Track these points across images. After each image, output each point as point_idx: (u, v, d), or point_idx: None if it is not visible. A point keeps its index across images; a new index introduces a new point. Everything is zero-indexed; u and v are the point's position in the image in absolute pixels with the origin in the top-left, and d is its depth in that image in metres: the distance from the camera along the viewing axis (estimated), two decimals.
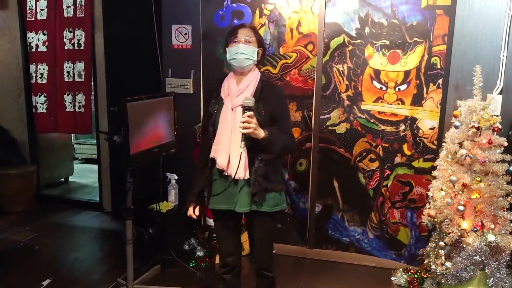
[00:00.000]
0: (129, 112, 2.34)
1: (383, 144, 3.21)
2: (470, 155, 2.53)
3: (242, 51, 2.13)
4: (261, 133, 2.03)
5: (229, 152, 2.11)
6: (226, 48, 2.20)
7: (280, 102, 2.22)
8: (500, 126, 2.50)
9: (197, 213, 2.30)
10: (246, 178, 2.10)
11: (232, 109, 2.12)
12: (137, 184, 2.69)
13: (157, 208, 3.15)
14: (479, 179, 2.51)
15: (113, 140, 2.47)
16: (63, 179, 5.27)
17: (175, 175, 3.37)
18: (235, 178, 2.10)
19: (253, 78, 2.18)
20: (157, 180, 3.43)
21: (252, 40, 2.17)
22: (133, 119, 2.38)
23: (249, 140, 2.03)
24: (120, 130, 2.44)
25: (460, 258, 2.57)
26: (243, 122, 1.99)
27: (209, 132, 2.20)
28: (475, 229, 2.53)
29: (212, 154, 2.17)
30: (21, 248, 3.56)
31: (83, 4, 4.07)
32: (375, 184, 3.28)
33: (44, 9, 4.22)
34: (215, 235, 3.29)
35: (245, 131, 1.99)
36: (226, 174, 2.13)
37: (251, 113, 2.00)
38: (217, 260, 3.30)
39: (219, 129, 2.15)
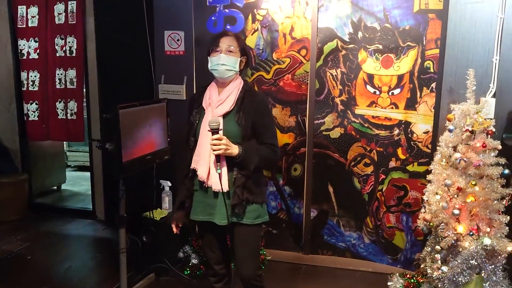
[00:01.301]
0: (122, 119, 2.30)
1: (378, 149, 3.20)
2: (465, 159, 2.51)
3: (223, 62, 2.10)
4: (235, 151, 2.02)
5: (209, 164, 2.10)
6: (208, 57, 2.17)
7: (262, 112, 2.16)
8: (494, 129, 2.49)
9: (178, 229, 2.29)
10: (225, 190, 2.08)
11: None
12: (131, 192, 2.65)
13: (150, 215, 3.11)
14: (474, 183, 2.49)
15: (105, 148, 2.43)
16: (55, 187, 5.22)
17: (168, 182, 3.34)
18: (214, 190, 2.09)
19: (234, 88, 2.15)
20: (150, 187, 3.39)
21: (234, 50, 2.13)
22: (125, 126, 2.35)
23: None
24: (112, 138, 2.41)
25: (457, 262, 2.55)
26: (212, 145, 1.98)
27: (190, 143, 2.18)
28: (471, 233, 2.52)
29: (193, 165, 2.15)
30: (13, 258, 3.51)
31: (74, 11, 4.05)
32: (370, 188, 3.27)
33: (35, 16, 4.19)
34: None
35: (216, 152, 1.99)
36: (206, 185, 2.12)
37: (217, 135, 1.99)
38: None
39: (199, 140, 2.14)
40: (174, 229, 2.29)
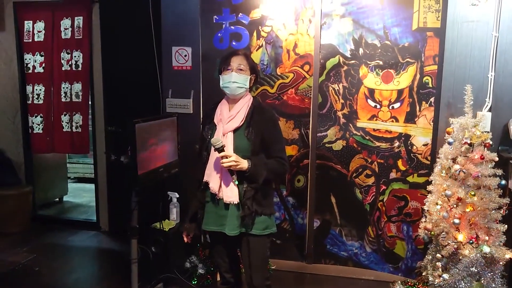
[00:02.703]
0: (137, 133, 2.39)
1: (379, 160, 3.30)
2: (464, 170, 2.62)
3: (234, 80, 2.22)
4: (244, 165, 2.12)
5: (220, 177, 2.20)
6: (220, 76, 2.28)
7: (270, 127, 2.26)
8: (491, 142, 2.62)
9: (189, 239, 2.42)
10: (236, 202, 2.18)
11: (224, 135, 2.20)
12: (140, 203, 2.73)
13: (160, 226, 3.18)
14: (473, 193, 2.60)
15: (120, 161, 2.51)
16: (57, 199, 5.25)
17: (176, 193, 3.41)
18: (226, 201, 2.19)
19: (244, 104, 2.26)
20: (158, 199, 3.46)
21: (244, 68, 2.25)
22: (139, 140, 2.44)
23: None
24: (126, 151, 2.49)
25: (457, 270, 2.63)
26: (222, 163, 2.10)
27: (203, 157, 2.28)
28: (471, 241, 2.62)
29: (205, 178, 2.26)
30: (20, 270, 3.54)
31: (81, 26, 4.13)
32: (372, 199, 3.35)
33: (41, 31, 4.26)
34: None
35: (226, 166, 2.11)
36: (218, 198, 2.22)
37: (224, 153, 2.09)
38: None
39: (211, 154, 2.24)
40: (185, 239, 2.41)
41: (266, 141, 2.22)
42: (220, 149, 2.10)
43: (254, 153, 2.19)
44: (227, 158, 2.10)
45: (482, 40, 2.95)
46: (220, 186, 2.20)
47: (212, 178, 2.23)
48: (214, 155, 2.21)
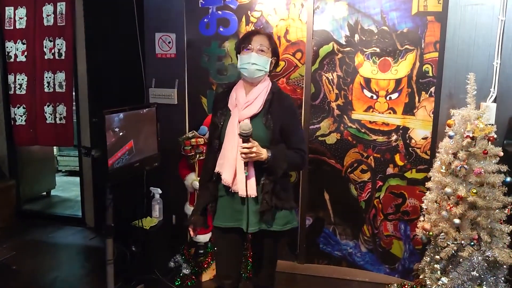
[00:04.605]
0: (108, 124, 2.21)
1: (375, 155, 3.13)
2: (465, 166, 2.45)
3: (254, 61, 2.01)
4: (263, 156, 1.93)
5: (235, 168, 2.00)
6: (238, 55, 2.08)
7: (290, 115, 2.09)
8: (495, 136, 2.43)
9: (195, 233, 2.22)
10: (254, 195, 1.99)
11: (239, 122, 2.00)
12: (120, 200, 2.56)
13: (139, 224, 3.00)
14: (475, 191, 2.42)
15: (91, 155, 2.33)
16: (44, 193, 5.09)
17: (159, 189, 3.23)
18: (241, 195, 1.99)
19: (262, 89, 2.06)
20: (140, 195, 3.29)
21: (266, 49, 2.04)
22: (112, 132, 2.26)
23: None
24: (99, 144, 2.31)
25: (457, 273, 2.50)
26: (242, 153, 1.89)
27: (215, 145, 2.08)
28: (472, 243, 2.45)
29: (217, 169, 2.05)
30: None
31: (63, 12, 3.93)
32: (367, 196, 3.19)
33: (23, 18, 4.07)
34: (202, 251, 3.18)
35: (245, 160, 1.91)
36: (232, 190, 2.02)
37: (248, 144, 1.89)
38: (203, 278, 3.16)
39: (225, 142, 2.03)
40: (192, 233, 2.20)
41: (285, 130, 2.04)
42: (247, 137, 1.88)
43: (272, 143, 2.00)
44: (250, 149, 1.89)
45: (487, 25, 2.74)
46: (235, 178, 2.00)
47: (225, 168, 2.02)
48: (228, 143, 2.01)
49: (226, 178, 2.01)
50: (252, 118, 2.01)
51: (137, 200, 3.28)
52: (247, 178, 1.95)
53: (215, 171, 2.06)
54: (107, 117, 2.20)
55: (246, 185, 1.95)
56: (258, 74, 2.03)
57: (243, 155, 1.90)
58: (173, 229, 3.42)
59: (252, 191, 1.98)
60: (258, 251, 2.18)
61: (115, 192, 2.50)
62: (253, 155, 1.90)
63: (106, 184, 2.36)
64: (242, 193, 1.98)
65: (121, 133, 2.32)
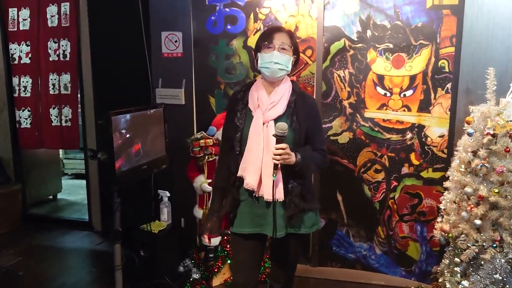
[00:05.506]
0: (114, 126, 2.13)
1: (389, 154, 3.03)
2: (486, 165, 2.35)
3: (276, 60, 1.92)
4: (293, 159, 1.86)
5: (261, 171, 1.91)
6: (258, 53, 1.99)
7: (314, 116, 2.04)
8: None
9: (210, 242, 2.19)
10: (281, 199, 1.91)
11: (264, 124, 1.92)
12: (128, 203, 2.48)
13: (148, 228, 2.92)
14: (496, 190, 2.32)
15: (98, 158, 2.25)
16: (51, 197, 5.03)
17: (167, 192, 3.15)
18: (267, 200, 1.91)
19: (285, 90, 1.98)
20: (148, 198, 3.21)
21: (288, 48, 1.96)
22: (119, 134, 2.18)
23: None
24: (105, 146, 2.23)
25: (478, 277, 2.38)
26: (276, 154, 1.81)
27: (236, 148, 1.98)
28: (494, 245, 2.35)
29: (240, 173, 1.96)
30: (3, 274, 3.32)
31: (68, 13, 3.88)
32: (381, 196, 3.09)
33: (27, 19, 4.02)
34: (212, 255, 3.09)
35: (277, 162, 1.82)
36: (257, 195, 1.94)
37: (283, 145, 1.81)
38: (214, 283, 3.07)
39: (248, 145, 1.95)
40: (207, 241, 2.17)
41: (309, 131, 1.98)
42: (281, 139, 1.81)
43: (297, 145, 1.93)
44: (283, 150, 1.81)
45: (507, 16, 2.64)
46: (260, 181, 1.92)
47: (249, 172, 1.93)
48: (251, 146, 1.93)
49: (251, 182, 1.92)
50: (275, 120, 1.93)
51: (145, 203, 3.21)
52: (274, 181, 1.87)
53: (238, 175, 1.97)
54: (113, 119, 2.11)
55: (273, 189, 1.87)
56: (281, 73, 1.95)
57: (278, 157, 1.81)
58: (182, 233, 3.34)
59: (280, 195, 1.90)
60: (280, 254, 2.11)
61: (122, 196, 2.43)
62: (286, 156, 1.82)
63: (113, 188, 2.27)
64: (268, 197, 1.90)
65: (128, 135, 2.24)
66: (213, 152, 2.94)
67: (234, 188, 2.01)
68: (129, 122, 2.26)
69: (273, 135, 1.83)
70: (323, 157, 2.03)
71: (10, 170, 4.36)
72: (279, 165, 1.85)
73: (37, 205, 4.74)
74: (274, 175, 1.85)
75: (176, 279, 3.08)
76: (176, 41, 3.23)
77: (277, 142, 1.82)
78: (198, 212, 3.05)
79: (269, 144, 1.88)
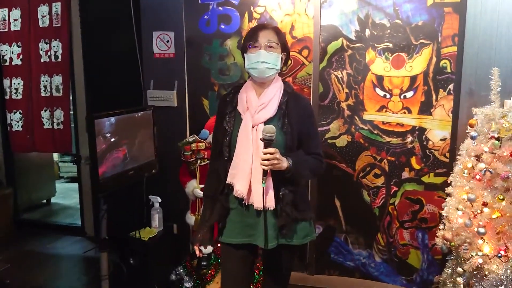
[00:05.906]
0: (98, 130, 2.02)
1: (389, 158, 2.94)
2: (490, 170, 2.24)
3: (263, 59, 1.82)
4: (284, 164, 1.75)
5: (251, 178, 1.81)
6: (244, 54, 1.89)
7: (308, 118, 1.93)
8: None
9: (201, 253, 2.03)
10: (272, 208, 1.81)
11: (253, 127, 1.82)
12: (119, 209, 2.39)
13: (137, 235, 2.82)
14: (501, 197, 2.21)
15: (82, 162, 2.15)
16: (44, 201, 4.95)
17: (158, 197, 3.05)
18: (257, 208, 1.81)
19: (276, 90, 1.88)
20: (140, 204, 3.11)
21: (275, 45, 1.85)
22: (103, 138, 2.07)
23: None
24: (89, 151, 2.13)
25: None
26: (264, 159, 1.71)
27: (225, 154, 1.88)
28: (499, 255, 2.24)
29: (229, 180, 1.86)
30: None
31: (59, 13, 3.78)
32: (381, 202, 3.00)
33: (17, 20, 3.93)
34: (205, 263, 2.97)
35: (266, 168, 1.72)
36: (247, 203, 1.84)
37: (271, 149, 1.71)
38: None
39: (237, 150, 1.85)
40: (197, 253, 2.01)
41: (302, 135, 1.88)
42: (269, 143, 1.71)
43: (288, 149, 1.83)
44: (272, 154, 1.71)
45: (511, 14, 2.55)
46: (250, 189, 1.82)
47: (238, 179, 1.83)
48: (240, 151, 1.83)
49: (240, 190, 1.82)
50: (266, 123, 1.83)
51: (137, 209, 3.10)
52: (264, 189, 1.77)
53: (226, 182, 1.87)
54: (97, 122, 2.01)
55: (263, 197, 1.77)
56: (269, 73, 1.85)
57: (266, 162, 1.71)
58: (174, 239, 3.24)
59: (271, 203, 1.80)
60: (272, 266, 2.01)
61: (112, 202, 2.34)
62: (275, 162, 1.72)
63: (97, 195, 2.17)
64: (258, 205, 1.80)
65: (112, 139, 2.13)
66: (206, 156, 2.83)
67: (223, 195, 1.91)
68: (114, 125, 2.16)
69: (260, 139, 1.73)
70: (318, 162, 1.92)
71: (1, 173, 4.28)
72: (269, 171, 1.75)
73: (30, 209, 4.65)
74: (264, 181, 1.74)
75: (169, 287, 2.98)
76: (168, 41, 3.14)
77: (265, 146, 1.71)
78: (191, 219, 2.95)
79: (258, 149, 1.77)
